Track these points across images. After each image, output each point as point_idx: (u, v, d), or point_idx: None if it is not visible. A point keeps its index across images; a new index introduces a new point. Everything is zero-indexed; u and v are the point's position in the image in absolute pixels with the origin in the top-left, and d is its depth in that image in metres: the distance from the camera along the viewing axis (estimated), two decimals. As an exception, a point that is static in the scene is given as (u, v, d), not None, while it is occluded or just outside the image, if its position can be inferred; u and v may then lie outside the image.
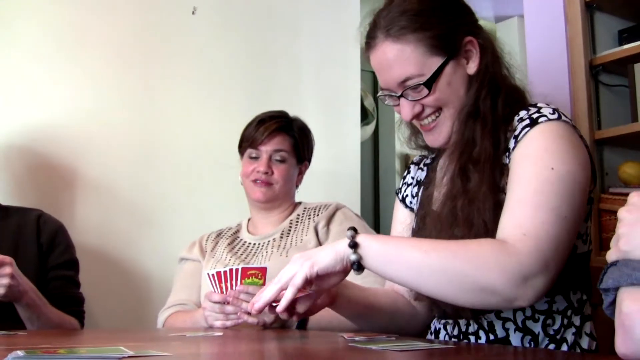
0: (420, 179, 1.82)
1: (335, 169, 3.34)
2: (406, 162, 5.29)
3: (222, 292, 1.93)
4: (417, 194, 1.81)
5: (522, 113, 1.52)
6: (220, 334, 1.78)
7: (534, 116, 1.48)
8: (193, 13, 3.11)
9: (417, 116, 1.61)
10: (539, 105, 1.53)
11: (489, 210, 1.46)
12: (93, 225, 2.82)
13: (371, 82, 5.21)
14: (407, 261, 1.36)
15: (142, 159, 2.95)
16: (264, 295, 1.45)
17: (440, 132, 1.61)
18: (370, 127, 5.08)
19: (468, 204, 1.48)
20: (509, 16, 4.84)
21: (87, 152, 2.84)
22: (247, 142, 2.43)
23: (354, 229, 1.41)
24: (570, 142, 1.45)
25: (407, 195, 1.85)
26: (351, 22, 3.57)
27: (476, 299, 1.35)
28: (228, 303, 1.92)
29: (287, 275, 1.43)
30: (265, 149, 2.39)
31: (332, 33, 3.50)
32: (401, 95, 1.59)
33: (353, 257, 1.38)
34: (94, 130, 2.86)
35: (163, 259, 2.87)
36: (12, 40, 2.76)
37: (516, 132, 1.49)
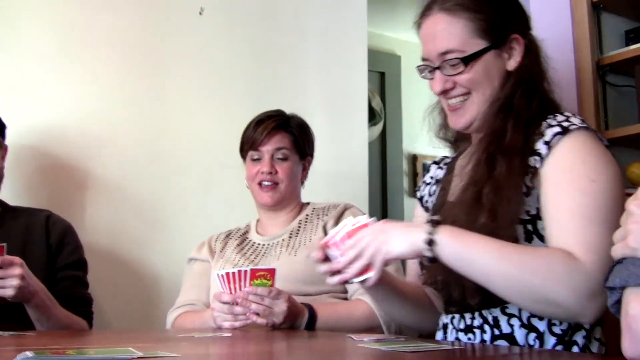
0: (439, 178, 1.83)
1: (342, 170, 3.34)
2: (414, 162, 5.29)
3: (231, 293, 1.94)
4: (434, 192, 1.83)
5: (551, 119, 1.54)
6: (229, 334, 1.78)
7: (564, 124, 1.50)
8: (200, 13, 3.11)
9: (446, 92, 1.63)
10: (566, 113, 1.55)
11: (515, 204, 1.48)
12: (102, 225, 2.82)
13: (378, 82, 5.21)
14: (479, 266, 1.39)
15: (149, 159, 2.95)
16: (352, 271, 1.49)
17: (464, 115, 1.64)
18: (378, 128, 5.09)
19: (494, 192, 1.49)
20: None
21: (94, 152, 2.84)
22: (248, 144, 2.43)
23: (434, 222, 1.42)
24: (602, 151, 1.49)
25: (424, 195, 1.88)
26: (358, 22, 3.57)
27: (542, 309, 1.41)
28: (237, 304, 1.92)
29: (369, 252, 1.45)
30: (267, 149, 2.39)
31: (339, 33, 3.50)
32: (438, 68, 1.62)
33: (428, 253, 1.41)
34: (101, 131, 2.87)
35: (172, 259, 2.87)
36: (18, 41, 2.76)
37: (546, 138, 1.50)
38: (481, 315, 1.58)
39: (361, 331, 2.00)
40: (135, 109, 2.95)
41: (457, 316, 1.65)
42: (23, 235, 2.33)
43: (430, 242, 1.41)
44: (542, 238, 1.49)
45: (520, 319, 1.53)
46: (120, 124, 2.91)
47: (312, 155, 2.53)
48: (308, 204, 2.49)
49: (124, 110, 2.93)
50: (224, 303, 1.95)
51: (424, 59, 1.69)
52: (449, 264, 1.42)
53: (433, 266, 1.52)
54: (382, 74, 5.22)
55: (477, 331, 1.58)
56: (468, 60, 1.58)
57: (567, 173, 1.45)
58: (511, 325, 1.53)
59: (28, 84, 2.76)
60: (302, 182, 2.52)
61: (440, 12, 1.62)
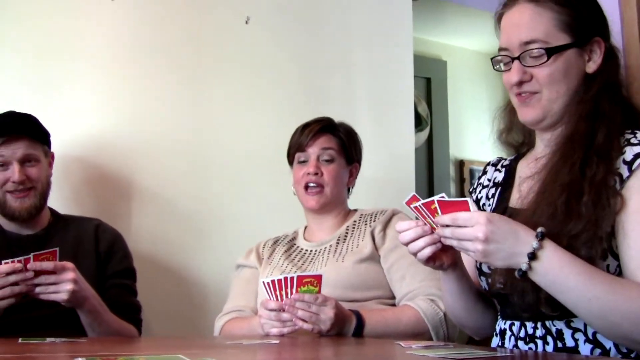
0: (498, 181, 1.79)
1: (389, 176, 3.32)
2: (461, 168, 5.26)
3: (277, 300, 1.94)
4: (493, 195, 1.78)
5: (630, 135, 1.51)
6: (277, 341, 1.79)
7: None
8: (246, 22, 3.13)
9: (521, 85, 1.59)
10: None
11: (610, 214, 1.44)
12: (148, 234, 2.84)
13: (424, 88, 5.19)
14: (570, 297, 1.38)
15: (195, 167, 2.97)
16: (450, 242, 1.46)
17: (535, 109, 1.59)
18: (424, 133, 5.06)
19: (593, 199, 1.45)
20: None
21: (140, 162, 2.87)
22: (294, 147, 2.44)
23: (535, 248, 1.38)
24: None
25: (481, 197, 1.83)
26: (404, 27, 3.55)
27: (625, 343, 1.42)
28: (284, 311, 1.92)
29: (466, 237, 1.41)
30: (313, 150, 2.40)
31: (385, 39, 3.49)
32: (518, 58, 1.58)
33: (517, 273, 1.40)
34: (146, 140, 2.90)
35: (218, 266, 2.89)
36: (67, 54, 2.80)
37: (627, 157, 1.48)
38: (544, 326, 1.54)
39: (408, 337, 1.99)
40: (180, 117, 2.98)
41: (517, 323, 1.61)
42: (74, 244, 2.37)
43: (524, 274, 1.39)
44: (615, 256, 1.45)
45: (585, 333, 1.49)
46: (165, 133, 2.94)
47: (359, 162, 2.53)
48: (356, 210, 2.49)
49: (168, 119, 2.95)
50: (271, 310, 1.95)
51: (501, 49, 1.64)
52: (541, 284, 1.40)
53: (498, 270, 1.50)
54: (428, 80, 5.20)
55: (540, 341, 1.55)
56: (552, 52, 1.54)
57: None
58: (575, 340, 1.50)
59: (78, 95, 2.80)
60: (349, 189, 2.51)
61: (527, 2, 1.59)
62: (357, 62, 3.39)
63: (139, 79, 2.92)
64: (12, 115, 2.33)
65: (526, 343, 1.57)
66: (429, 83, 5.20)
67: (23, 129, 2.30)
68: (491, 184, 1.81)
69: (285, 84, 3.20)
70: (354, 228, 2.38)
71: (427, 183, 5.07)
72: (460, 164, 5.29)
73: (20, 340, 1.76)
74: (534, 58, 1.56)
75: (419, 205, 1.50)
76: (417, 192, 3.51)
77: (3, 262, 1.92)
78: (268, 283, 1.94)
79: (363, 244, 2.28)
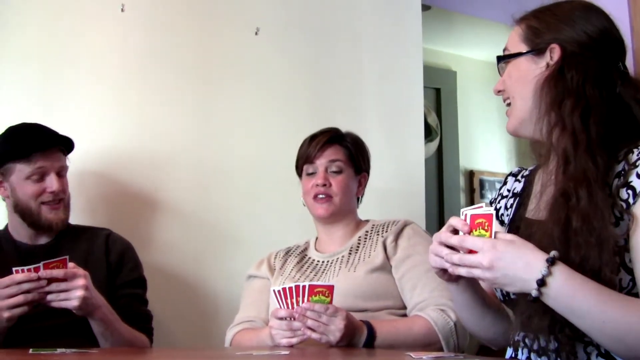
0: (517, 191, 1.78)
1: (399, 187, 3.32)
2: (471, 178, 5.25)
3: (288, 309, 1.94)
4: (511, 205, 1.78)
5: None
6: (287, 352, 1.78)
7: None
8: (256, 34, 3.14)
9: (499, 92, 1.71)
10: None
11: (605, 237, 1.41)
12: (160, 244, 2.84)
13: (434, 98, 5.19)
14: (584, 322, 1.37)
15: (207, 179, 2.97)
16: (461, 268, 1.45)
17: (509, 119, 1.69)
18: (434, 144, 5.06)
19: (582, 224, 1.43)
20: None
21: (152, 173, 2.87)
22: (302, 159, 2.45)
23: (542, 280, 1.36)
24: None
25: (500, 207, 1.82)
26: (413, 38, 3.56)
27: None
28: (294, 318, 1.92)
29: (472, 264, 1.41)
30: (320, 162, 2.40)
31: (394, 50, 3.50)
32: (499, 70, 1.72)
33: (528, 299, 1.38)
34: (159, 152, 2.90)
35: (230, 276, 2.88)
36: (79, 67, 2.82)
37: None
38: (557, 339, 1.53)
39: (419, 347, 1.98)
40: (191, 129, 2.98)
41: (530, 335, 1.60)
42: (84, 254, 2.37)
43: (541, 287, 1.36)
44: (628, 270, 1.43)
45: (597, 347, 1.47)
46: (176, 144, 2.94)
47: (368, 172, 2.53)
48: (367, 221, 2.49)
49: (179, 131, 2.96)
50: (281, 319, 1.95)
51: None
52: (554, 309, 1.39)
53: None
54: (438, 90, 5.20)
55: (552, 354, 1.54)
56: (500, 59, 1.67)
57: None
58: (587, 354, 1.48)
59: (86, 106, 2.81)
60: (359, 199, 2.52)
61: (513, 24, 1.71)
62: (367, 73, 3.40)
63: (149, 90, 2.93)
64: (42, 128, 2.36)
65: (539, 356, 1.56)
66: (439, 93, 5.21)
67: (59, 141, 2.35)
68: (510, 194, 1.81)
69: (295, 95, 3.20)
70: (366, 238, 2.38)
71: (437, 193, 5.06)
72: (470, 174, 5.29)
73: (31, 350, 1.77)
74: (501, 67, 1.69)
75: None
76: (427, 202, 3.51)
77: (14, 270, 1.93)
78: (279, 291, 1.94)
79: (375, 254, 2.28)
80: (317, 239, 2.52)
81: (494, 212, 1.45)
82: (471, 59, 5.45)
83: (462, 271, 1.43)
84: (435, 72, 5.04)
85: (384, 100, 3.41)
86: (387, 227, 2.37)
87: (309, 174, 2.43)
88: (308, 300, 1.91)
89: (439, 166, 5.12)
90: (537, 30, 1.61)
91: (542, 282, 1.35)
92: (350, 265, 2.29)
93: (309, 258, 2.45)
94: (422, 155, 3.55)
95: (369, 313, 2.15)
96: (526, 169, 1.82)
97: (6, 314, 1.92)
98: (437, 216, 5.01)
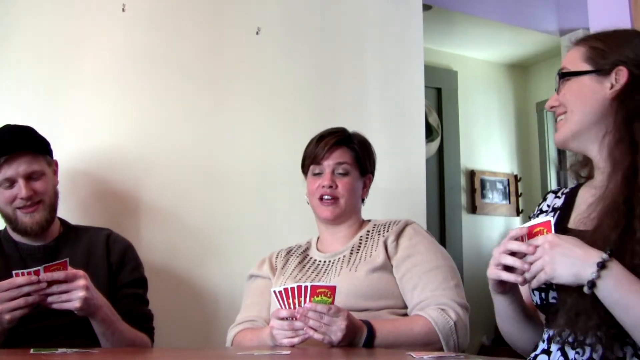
0: (557, 206, 1.83)
1: (400, 186, 3.32)
2: (472, 178, 5.25)
3: (289, 309, 1.94)
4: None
5: None
6: (288, 352, 1.78)
7: None
8: (257, 34, 3.14)
9: (552, 108, 1.77)
10: None
11: None
12: (158, 245, 2.84)
13: (435, 98, 5.19)
14: (631, 318, 1.40)
15: (207, 179, 2.97)
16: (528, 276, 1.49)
17: (560, 129, 1.74)
18: (435, 144, 5.07)
19: None
20: (574, 29, 4.77)
21: (150, 173, 2.87)
22: (309, 159, 2.45)
23: (605, 260, 1.42)
24: None
25: None
26: (414, 38, 3.56)
27: None
28: (296, 319, 1.92)
29: (536, 267, 1.47)
30: (328, 163, 2.40)
31: (396, 50, 3.50)
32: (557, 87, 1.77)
33: (586, 290, 1.42)
34: (159, 152, 2.90)
35: (230, 276, 2.88)
36: (74, 66, 2.81)
37: None
38: (600, 337, 1.52)
39: (420, 347, 1.98)
40: (190, 129, 2.98)
41: (566, 330, 1.62)
42: (85, 254, 2.37)
43: (592, 285, 1.41)
44: None
45: (634, 347, 1.49)
46: (175, 145, 2.94)
47: (373, 173, 2.53)
48: (369, 221, 2.49)
49: (178, 131, 2.96)
50: (283, 319, 1.95)
51: None
52: (604, 302, 1.42)
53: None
54: (439, 90, 5.20)
55: (588, 348, 1.54)
56: (564, 76, 1.72)
57: None
58: (624, 352, 1.50)
59: (85, 106, 2.81)
60: (363, 200, 2.52)
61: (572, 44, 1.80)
62: (368, 73, 3.40)
63: (149, 90, 2.92)
64: (10, 131, 2.30)
65: (573, 348, 1.56)
66: (440, 93, 5.21)
67: (23, 144, 2.27)
68: (550, 209, 1.85)
69: (295, 95, 3.20)
70: (367, 238, 2.38)
71: (438, 193, 5.07)
72: (471, 174, 5.29)
73: (32, 350, 1.77)
74: (558, 82, 1.75)
75: None
76: (428, 202, 3.51)
77: (14, 273, 1.93)
78: (280, 292, 1.93)
79: (376, 253, 2.28)
80: (318, 238, 2.52)
81: (551, 218, 1.52)
82: (472, 58, 5.46)
83: (531, 279, 1.49)
84: (436, 71, 5.04)
85: (385, 100, 3.41)
86: (389, 226, 2.37)
87: (315, 174, 2.43)
88: (310, 300, 1.91)
89: (440, 166, 5.13)
90: (602, 51, 1.69)
91: (602, 265, 1.40)
92: (351, 265, 2.29)
93: (311, 258, 2.45)
94: (423, 155, 3.55)
95: (370, 312, 2.15)
96: (567, 188, 1.89)
97: (7, 317, 1.92)
98: (439, 215, 5.01)
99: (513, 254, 1.52)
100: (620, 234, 1.48)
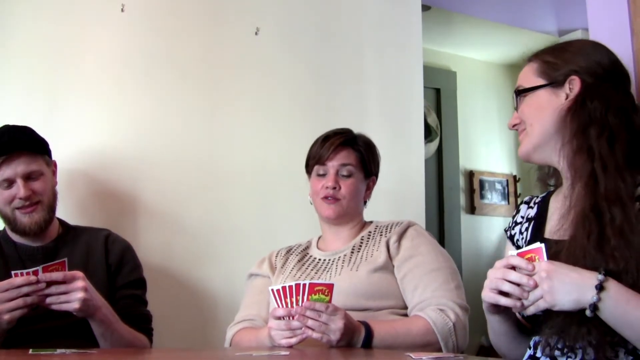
0: (531, 216, 1.85)
1: (399, 187, 3.32)
2: (471, 179, 5.25)
3: (286, 307, 1.93)
4: (527, 229, 1.84)
5: None
6: (287, 353, 1.78)
7: None
8: (256, 34, 3.14)
9: (514, 127, 1.82)
10: None
11: None
12: (157, 245, 2.84)
13: (434, 99, 5.19)
14: (636, 333, 1.42)
15: (206, 179, 2.97)
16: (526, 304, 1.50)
17: (523, 143, 1.79)
18: (434, 144, 5.06)
19: (620, 243, 1.49)
20: (573, 29, 4.78)
21: (148, 173, 2.87)
22: (314, 159, 2.44)
23: (601, 281, 1.42)
24: None
25: (515, 233, 1.89)
26: (413, 38, 3.56)
27: None
28: (293, 317, 1.92)
29: (535, 295, 1.47)
30: (332, 164, 2.40)
31: (395, 50, 3.50)
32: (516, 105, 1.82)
33: (588, 313, 1.42)
34: (157, 152, 2.90)
35: (229, 277, 2.89)
36: (72, 66, 2.81)
37: None
38: (594, 345, 1.53)
39: (418, 347, 1.98)
40: (189, 129, 2.98)
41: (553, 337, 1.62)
42: (84, 255, 2.37)
43: (595, 308, 1.41)
44: None
45: (625, 345, 1.50)
46: (175, 145, 2.94)
47: (377, 175, 2.54)
48: (371, 222, 2.49)
49: (178, 131, 2.96)
50: (279, 318, 1.94)
51: None
52: (608, 322, 1.43)
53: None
54: (438, 90, 5.20)
55: (579, 352, 1.55)
56: (520, 93, 1.77)
57: None
58: (616, 351, 1.51)
59: (84, 106, 2.81)
60: (365, 202, 2.52)
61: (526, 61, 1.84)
62: (367, 73, 3.40)
63: (148, 90, 2.92)
64: (9, 131, 2.29)
65: (563, 354, 1.57)
66: (439, 94, 5.21)
67: (21, 145, 2.27)
68: (524, 220, 1.87)
69: (294, 95, 3.20)
70: (369, 238, 2.39)
71: (437, 194, 5.07)
72: (470, 174, 5.29)
73: (30, 351, 1.77)
74: (516, 100, 1.80)
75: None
76: (427, 203, 3.50)
77: (13, 273, 1.93)
78: (277, 290, 1.93)
79: (377, 253, 2.29)
80: (319, 238, 2.53)
81: (542, 245, 1.52)
82: (471, 59, 5.46)
83: (529, 306, 1.49)
84: (435, 72, 5.04)
85: (384, 101, 3.41)
86: (391, 227, 2.38)
87: (319, 175, 2.43)
88: (308, 298, 1.91)
89: (438, 166, 5.13)
90: (554, 64, 1.74)
91: (600, 287, 1.41)
92: (352, 264, 2.29)
93: (310, 256, 2.46)
94: (422, 156, 3.55)
95: (370, 312, 2.16)
96: (537, 197, 1.91)
97: (6, 317, 1.92)
98: (437, 216, 5.01)
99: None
100: (596, 243, 1.49)
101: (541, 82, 1.74)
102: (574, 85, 1.68)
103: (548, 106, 1.71)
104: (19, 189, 2.25)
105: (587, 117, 1.63)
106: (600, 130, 1.61)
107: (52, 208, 2.36)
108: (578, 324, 1.46)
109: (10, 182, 2.25)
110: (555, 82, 1.72)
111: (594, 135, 1.61)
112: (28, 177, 2.27)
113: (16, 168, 2.25)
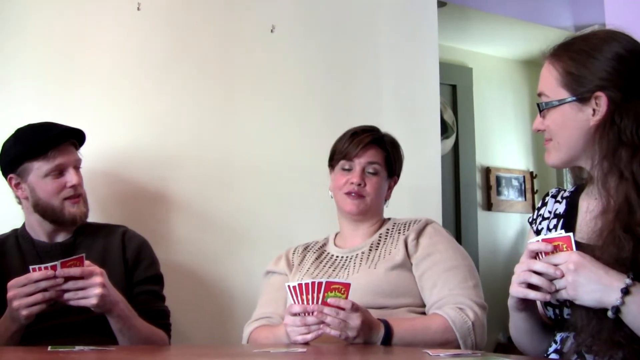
0: (560, 212, 1.80)
1: (416, 183, 3.31)
2: (487, 175, 5.24)
3: (302, 304, 1.93)
4: (555, 226, 1.79)
5: None
6: (304, 349, 1.78)
7: None
8: (272, 31, 3.14)
9: (539, 131, 1.72)
10: None
11: None
12: (176, 241, 2.85)
13: (450, 95, 5.18)
14: None
15: (224, 176, 2.98)
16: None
17: (550, 154, 1.71)
18: (450, 141, 5.05)
19: None
20: (589, 24, 4.74)
21: (169, 170, 2.88)
22: (341, 154, 2.44)
23: (626, 289, 1.40)
24: None
25: (542, 229, 1.83)
26: (429, 35, 3.55)
27: None
28: (309, 314, 1.91)
29: (560, 284, 1.46)
30: (359, 161, 2.40)
31: (410, 46, 3.49)
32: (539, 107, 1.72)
33: (610, 314, 1.41)
34: (175, 150, 2.91)
35: (246, 273, 2.89)
36: (92, 65, 2.83)
37: None
38: (624, 350, 1.51)
39: (437, 345, 1.98)
40: (208, 126, 2.99)
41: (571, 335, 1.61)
42: (101, 251, 2.38)
43: (617, 311, 1.40)
44: None
45: None
46: (193, 142, 2.95)
47: (399, 176, 2.53)
48: (389, 219, 2.49)
49: (196, 129, 2.97)
50: (295, 314, 1.94)
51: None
52: (629, 325, 1.42)
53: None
54: (454, 87, 5.19)
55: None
56: (545, 107, 1.67)
57: None
58: None
59: (102, 106, 2.82)
60: (386, 201, 2.52)
61: (546, 58, 1.74)
62: (383, 70, 3.39)
63: (164, 89, 2.93)
64: (56, 124, 2.36)
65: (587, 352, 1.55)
66: (455, 90, 5.20)
67: (71, 135, 2.36)
68: (552, 215, 1.82)
69: (310, 92, 3.20)
70: (387, 236, 2.38)
71: (454, 190, 5.06)
72: (487, 171, 5.27)
73: (49, 348, 1.78)
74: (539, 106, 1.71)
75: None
76: (444, 199, 3.49)
77: (31, 268, 1.94)
78: (294, 287, 1.92)
79: (395, 251, 2.28)
80: (336, 235, 2.52)
81: (571, 234, 1.49)
82: (487, 55, 5.44)
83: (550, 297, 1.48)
84: (451, 68, 5.03)
85: (400, 97, 3.41)
86: (409, 225, 2.37)
87: (344, 169, 2.43)
88: (324, 296, 1.91)
89: (455, 163, 5.12)
90: (577, 77, 1.63)
91: (626, 291, 1.39)
92: (370, 262, 2.29)
93: (328, 253, 2.45)
94: (439, 152, 3.54)
95: (388, 310, 2.15)
96: (565, 190, 1.85)
97: (24, 312, 1.92)
98: (454, 213, 5.00)
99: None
100: (630, 254, 1.46)
101: (566, 95, 1.64)
102: (600, 102, 1.60)
103: (574, 124, 1.63)
104: (72, 176, 2.30)
105: (616, 137, 1.56)
106: (632, 153, 1.54)
107: (87, 202, 2.41)
108: (609, 333, 1.45)
109: (60, 171, 2.29)
110: (581, 98, 1.62)
111: (626, 159, 1.54)
112: (76, 167, 2.34)
113: (69, 156, 2.32)
